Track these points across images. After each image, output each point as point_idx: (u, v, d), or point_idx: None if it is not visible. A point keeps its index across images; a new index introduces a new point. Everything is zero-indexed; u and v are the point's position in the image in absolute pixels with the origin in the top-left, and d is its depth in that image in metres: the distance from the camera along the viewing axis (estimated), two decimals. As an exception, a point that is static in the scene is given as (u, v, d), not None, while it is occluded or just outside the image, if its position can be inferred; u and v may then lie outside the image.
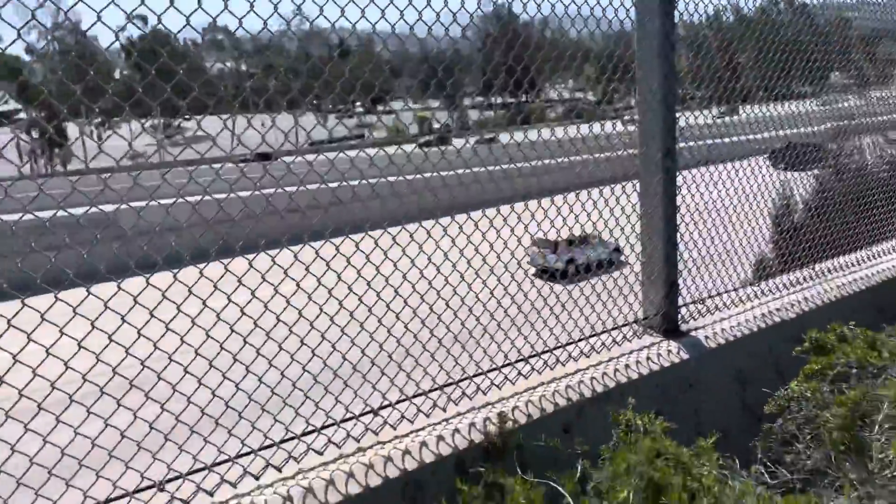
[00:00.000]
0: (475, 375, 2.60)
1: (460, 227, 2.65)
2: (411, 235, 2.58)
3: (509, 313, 2.77)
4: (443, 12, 2.60)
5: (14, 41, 1.97)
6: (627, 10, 2.92)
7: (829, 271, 3.83)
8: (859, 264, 4.00)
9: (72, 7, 1.93)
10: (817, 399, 2.73)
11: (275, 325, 2.23)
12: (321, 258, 2.25)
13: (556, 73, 3.23)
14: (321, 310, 2.29)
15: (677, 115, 2.93)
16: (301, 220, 2.59)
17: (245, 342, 2.19)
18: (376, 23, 2.42)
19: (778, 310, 3.31)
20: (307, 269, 2.27)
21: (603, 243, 4.32)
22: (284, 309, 2.25)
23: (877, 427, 2.56)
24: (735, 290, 3.44)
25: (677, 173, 2.98)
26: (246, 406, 2.14)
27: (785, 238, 4.24)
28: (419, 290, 2.53)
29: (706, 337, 3.02)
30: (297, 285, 2.24)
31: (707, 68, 3.72)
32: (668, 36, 2.76)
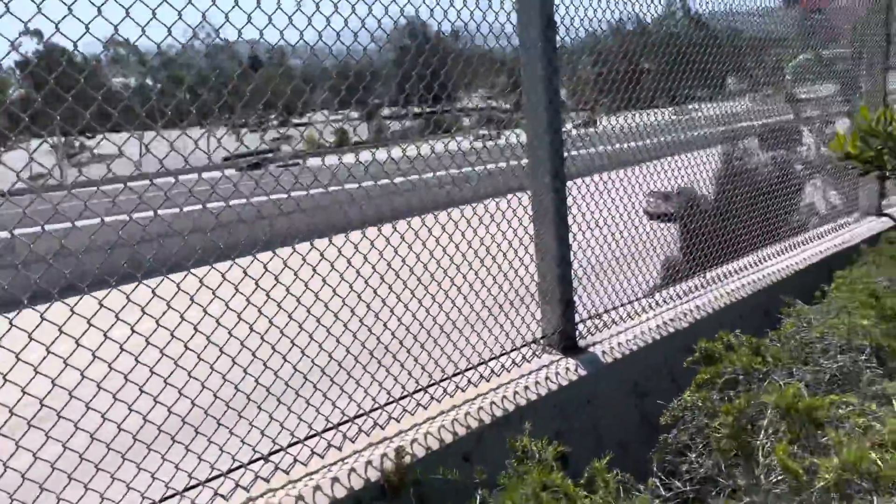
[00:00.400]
0: (371, 410, 2.56)
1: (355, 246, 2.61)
2: (303, 257, 2.51)
3: (404, 341, 2.74)
4: (354, 23, 2.55)
5: None
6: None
7: (721, 278, 3.99)
8: (748, 269, 4.19)
9: None
10: (707, 408, 2.83)
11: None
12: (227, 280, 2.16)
13: (468, 82, 3.24)
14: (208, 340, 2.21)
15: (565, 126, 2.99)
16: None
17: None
18: (284, 29, 2.34)
19: (672, 320, 3.42)
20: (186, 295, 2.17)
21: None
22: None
23: (762, 433, 2.67)
24: (630, 302, 3.52)
25: (567, 184, 3.03)
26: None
27: (690, 239, 4.37)
28: (309, 315, 2.45)
29: (603, 352, 3.08)
30: (182, 316, 2.14)
31: (606, 77, 3.80)
32: (551, 61, 2.80)
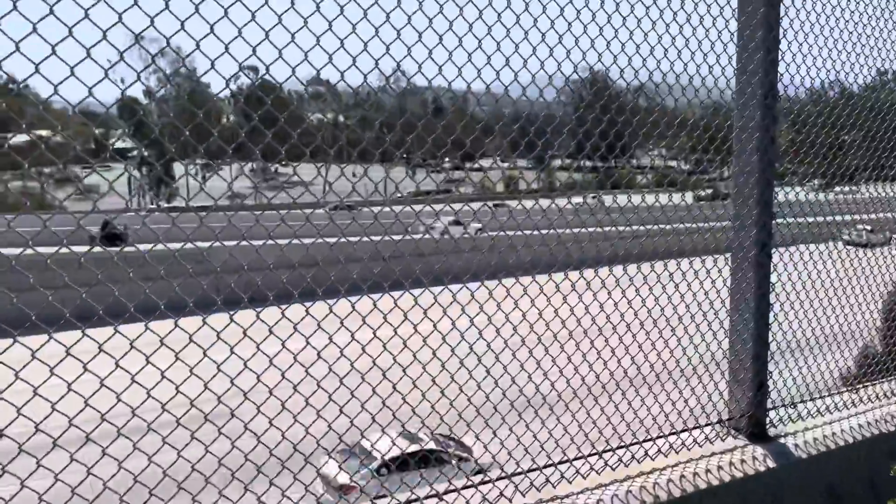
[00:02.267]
0: (545, 466, 2.53)
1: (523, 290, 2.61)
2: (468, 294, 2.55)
3: (578, 392, 2.69)
4: (539, 75, 2.61)
5: (133, 83, 2.12)
6: (728, 80, 2.85)
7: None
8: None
9: (189, 55, 2.04)
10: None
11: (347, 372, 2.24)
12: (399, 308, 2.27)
13: (648, 140, 3.19)
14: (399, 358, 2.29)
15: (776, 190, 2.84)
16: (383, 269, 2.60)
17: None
18: (472, 81, 2.45)
19: (877, 420, 3.10)
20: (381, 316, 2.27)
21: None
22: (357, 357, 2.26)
23: None
24: (830, 395, 3.24)
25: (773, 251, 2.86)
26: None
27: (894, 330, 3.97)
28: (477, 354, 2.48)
29: (796, 445, 2.85)
30: (374, 333, 2.25)
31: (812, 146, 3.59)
32: (768, 131, 2.69)
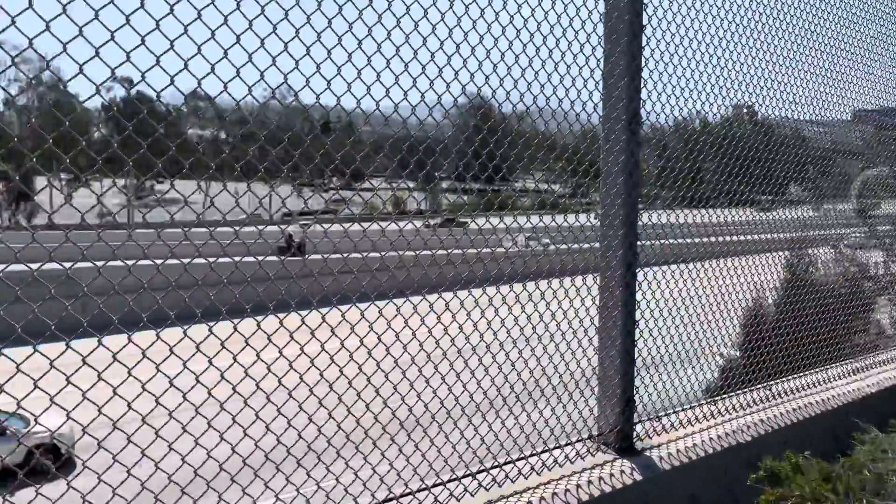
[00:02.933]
0: (418, 490, 2.47)
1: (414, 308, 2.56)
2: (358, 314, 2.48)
3: (452, 413, 2.66)
4: (428, 95, 2.60)
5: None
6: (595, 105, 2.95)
7: (786, 392, 3.82)
8: (815, 387, 4.01)
9: (53, 58, 1.87)
10: (771, 534, 2.66)
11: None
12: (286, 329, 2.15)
13: (530, 164, 3.25)
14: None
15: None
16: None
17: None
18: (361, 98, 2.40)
19: (735, 431, 3.27)
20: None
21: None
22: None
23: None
24: (691, 407, 3.39)
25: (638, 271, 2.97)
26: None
27: (751, 348, 4.22)
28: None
29: (661, 458, 2.95)
30: (234, 359, 2.12)
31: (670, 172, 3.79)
32: (633, 154, 2.80)
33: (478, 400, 2.74)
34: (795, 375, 4.05)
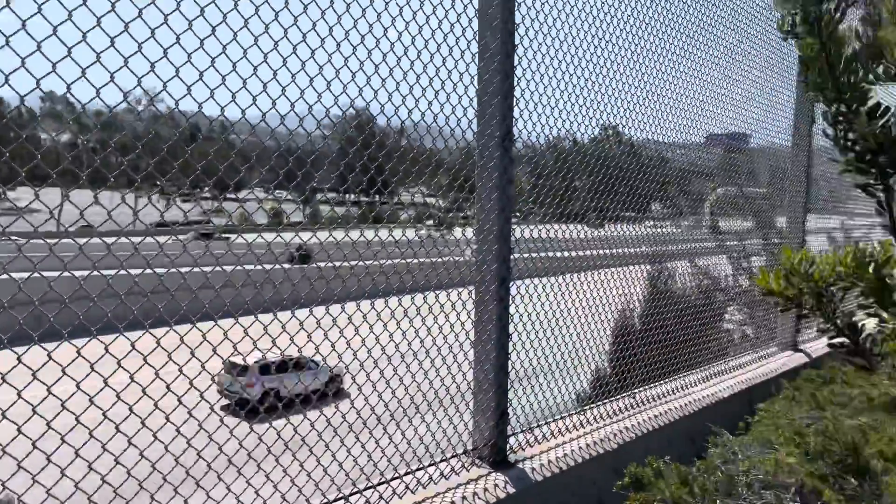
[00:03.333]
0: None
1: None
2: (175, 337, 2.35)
3: (323, 434, 2.58)
4: (300, 107, 2.52)
5: None
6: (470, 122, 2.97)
7: (649, 400, 4.02)
8: (675, 393, 4.24)
9: None
10: (635, 538, 2.77)
11: None
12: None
13: (406, 178, 3.23)
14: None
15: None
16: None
17: None
18: (226, 105, 2.28)
19: (603, 440, 3.38)
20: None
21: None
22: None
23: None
24: (562, 417, 3.48)
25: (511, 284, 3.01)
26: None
27: (618, 356, 4.40)
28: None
29: (533, 469, 3.00)
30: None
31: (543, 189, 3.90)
32: (507, 170, 2.84)
33: (351, 420, 2.67)
34: (658, 383, 4.27)
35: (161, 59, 2.04)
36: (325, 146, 3.07)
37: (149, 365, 2.06)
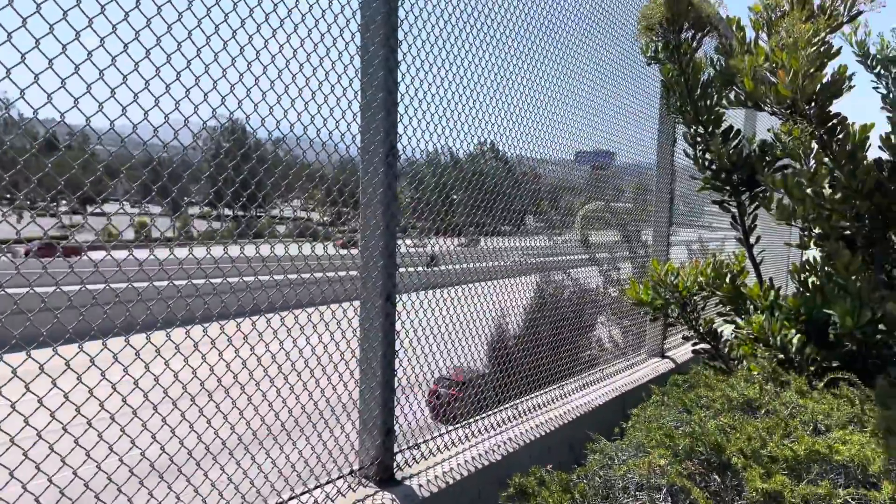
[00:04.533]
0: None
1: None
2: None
3: (194, 455, 2.44)
4: (174, 117, 2.39)
5: None
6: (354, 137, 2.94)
7: (530, 410, 4.12)
8: (554, 402, 4.38)
9: None
10: (521, 548, 2.81)
11: None
12: None
13: (287, 192, 3.13)
14: None
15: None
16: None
17: None
18: (92, 115, 2.13)
19: (487, 452, 3.43)
20: None
21: None
22: None
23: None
24: (448, 431, 3.49)
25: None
26: None
27: (498, 367, 4.48)
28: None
29: (420, 485, 2.99)
30: None
31: (426, 204, 3.93)
32: (391, 187, 2.83)
33: (231, 445, 2.55)
34: (538, 393, 4.39)
35: (18, 63, 1.87)
36: (199, 158, 2.94)
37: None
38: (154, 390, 2.23)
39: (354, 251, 3.19)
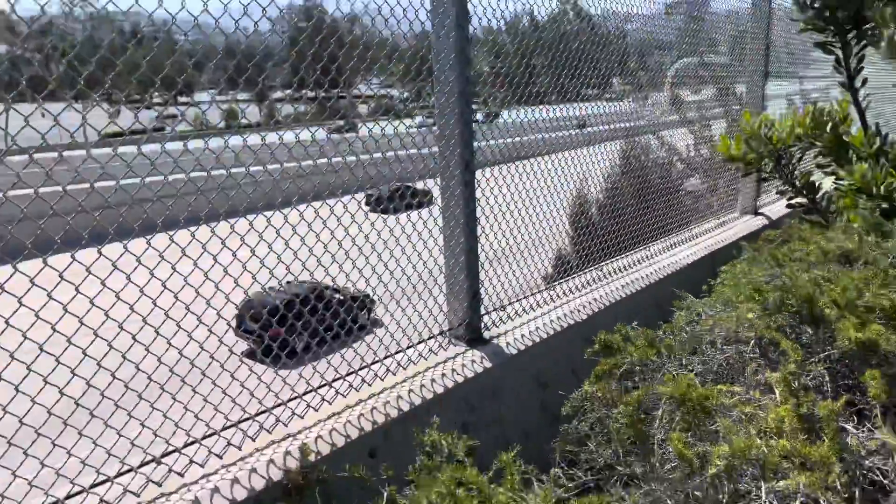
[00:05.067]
0: (274, 407, 2.45)
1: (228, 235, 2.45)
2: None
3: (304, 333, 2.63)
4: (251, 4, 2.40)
5: None
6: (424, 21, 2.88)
7: (617, 271, 4.14)
8: (641, 263, 4.37)
9: None
10: (606, 399, 2.92)
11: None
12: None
13: (366, 70, 3.12)
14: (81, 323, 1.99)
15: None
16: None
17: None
18: (178, 13, 2.18)
19: (571, 312, 3.50)
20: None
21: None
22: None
23: (657, 422, 2.78)
24: (532, 294, 3.58)
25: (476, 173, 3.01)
26: None
27: (580, 235, 4.49)
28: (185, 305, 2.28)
29: (507, 343, 3.11)
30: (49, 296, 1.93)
31: (506, 73, 3.83)
32: (464, 51, 2.77)
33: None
34: (623, 255, 4.39)
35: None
36: (274, 40, 2.96)
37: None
38: (252, 264, 2.39)
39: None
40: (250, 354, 3.03)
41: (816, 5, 4.05)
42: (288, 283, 2.77)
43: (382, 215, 3.02)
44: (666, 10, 6.30)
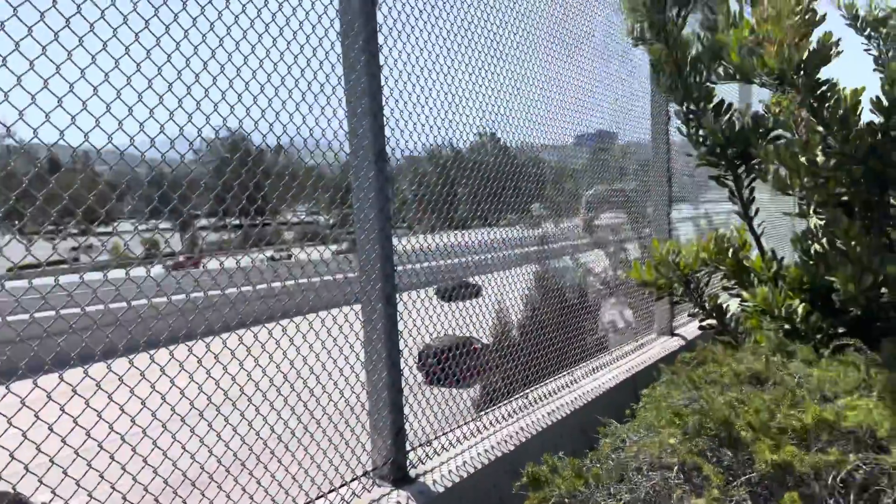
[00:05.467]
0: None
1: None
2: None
3: (213, 473, 2.49)
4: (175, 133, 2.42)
5: None
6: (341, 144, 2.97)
7: (540, 399, 4.15)
8: (565, 389, 4.41)
9: None
10: (537, 536, 2.85)
11: None
12: None
13: (293, 198, 3.16)
14: None
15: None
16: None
17: None
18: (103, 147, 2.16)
19: (499, 443, 3.46)
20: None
21: None
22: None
23: (589, 559, 2.72)
24: (458, 426, 3.53)
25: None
26: None
27: (503, 359, 4.51)
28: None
29: (434, 481, 3.03)
30: None
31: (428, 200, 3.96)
32: (382, 190, 2.86)
33: (243, 457, 2.60)
34: (548, 381, 4.42)
35: (14, 87, 1.89)
36: (199, 169, 2.98)
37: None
38: (161, 409, 2.28)
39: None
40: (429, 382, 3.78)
41: (708, 143, 4.43)
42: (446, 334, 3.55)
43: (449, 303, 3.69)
44: (576, 142, 6.74)
